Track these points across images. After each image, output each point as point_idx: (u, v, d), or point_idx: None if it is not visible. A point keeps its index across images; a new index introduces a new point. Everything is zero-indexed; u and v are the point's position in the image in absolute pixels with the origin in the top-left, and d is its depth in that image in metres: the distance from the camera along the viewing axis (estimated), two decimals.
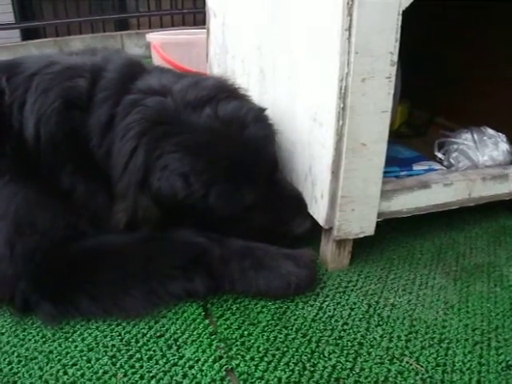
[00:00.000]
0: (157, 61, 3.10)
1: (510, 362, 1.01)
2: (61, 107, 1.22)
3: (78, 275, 1.12)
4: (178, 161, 1.15)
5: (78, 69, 1.28)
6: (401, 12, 1.05)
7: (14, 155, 1.20)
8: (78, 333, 1.06)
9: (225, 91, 1.27)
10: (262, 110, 1.32)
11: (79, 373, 0.95)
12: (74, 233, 1.16)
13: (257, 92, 1.55)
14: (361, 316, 1.13)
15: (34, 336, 1.05)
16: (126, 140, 1.18)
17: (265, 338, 1.06)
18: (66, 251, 1.13)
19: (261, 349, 1.02)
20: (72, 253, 1.14)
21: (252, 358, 1.00)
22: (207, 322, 1.10)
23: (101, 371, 0.96)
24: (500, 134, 1.57)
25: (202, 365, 0.98)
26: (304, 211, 1.31)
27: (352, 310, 1.15)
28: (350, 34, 1.03)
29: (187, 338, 1.05)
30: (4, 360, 0.99)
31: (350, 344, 1.05)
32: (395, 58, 1.08)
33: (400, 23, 1.06)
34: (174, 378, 0.95)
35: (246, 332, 1.07)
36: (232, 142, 1.19)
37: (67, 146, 1.22)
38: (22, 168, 1.19)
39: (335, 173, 1.15)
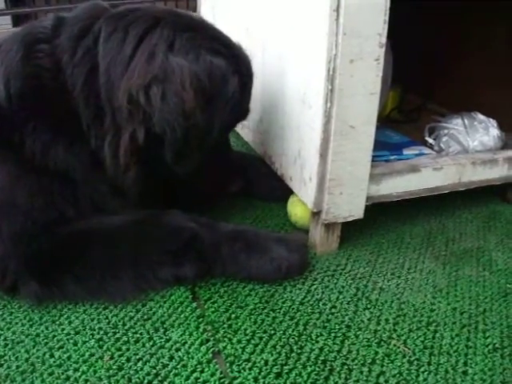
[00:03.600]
0: None
1: (496, 345, 1.02)
2: (24, 56, 1.13)
3: (66, 257, 1.10)
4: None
5: (41, 22, 1.21)
6: None
7: None
8: (65, 316, 1.05)
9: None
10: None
11: (66, 355, 0.95)
12: (57, 212, 1.13)
13: None
14: (349, 299, 1.13)
15: (20, 319, 1.05)
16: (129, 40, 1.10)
17: (252, 320, 1.05)
18: (53, 232, 1.11)
19: (248, 331, 1.02)
20: (60, 234, 1.11)
21: (239, 341, 1.00)
22: (194, 305, 1.09)
23: (87, 354, 0.95)
24: (490, 119, 1.56)
25: (189, 347, 0.98)
26: (240, 172, 1.35)
27: (340, 293, 1.15)
28: (338, 15, 1.02)
29: (174, 321, 1.04)
30: None
31: (337, 327, 1.05)
32: (384, 39, 1.07)
33: (389, 4, 1.05)
34: (161, 360, 0.94)
35: (233, 315, 1.07)
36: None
37: (38, 99, 1.13)
38: None
39: (323, 155, 1.15)
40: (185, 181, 1.22)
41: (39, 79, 1.14)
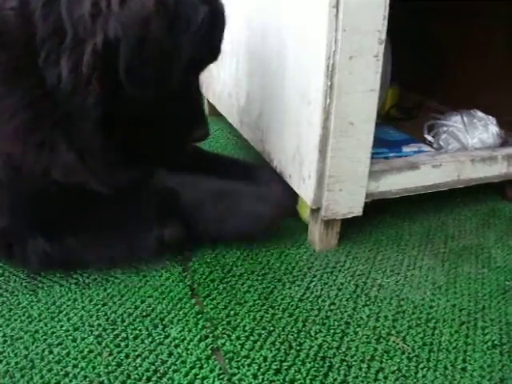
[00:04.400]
0: None
1: (495, 342, 1.02)
2: None
3: (66, 220, 1.14)
4: None
5: None
6: None
7: None
8: (64, 313, 1.05)
9: None
10: None
11: (64, 352, 0.95)
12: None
13: (245, 72, 1.54)
14: (348, 296, 1.13)
15: (19, 316, 1.04)
16: None
17: (251, 317, 1.05)
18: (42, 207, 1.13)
19: (247, 328, 1.02)
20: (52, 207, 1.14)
21: (238, 338, 1.00)
22: (193, 301, 1.09)
23: (86, 350, 0.95)
24: (490, 116, 1.56)
25: (188, 344, 0.97)
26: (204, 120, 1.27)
27: (339, 290, 1.15)
28: (337, 11, 1.02)
29: (173, 318, 1.04)
30: None
31: (336, 324, 1.05)
32: (383, 36, 1.07)
33: (388, 0, 1.04)
34: (160, 356, 0.94)
35: (232, 312, 1.07)
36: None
37: None
38: None
39: (322, 152, 1.14)
40: (149, 126, 1.16)
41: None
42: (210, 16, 1.09)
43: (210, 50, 1.20)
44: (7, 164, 1.10)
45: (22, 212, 1.14)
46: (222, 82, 1.83)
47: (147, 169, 1.20)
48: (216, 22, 1.15)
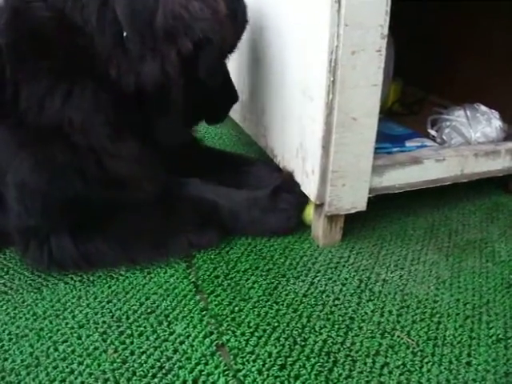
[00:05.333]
0: None
1: (500, 336, 1.02)
2: (5, 13, 1.12)
3: (96, 222, 1.19)
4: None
5: None
6: None
7: None
8: (69, 310, 1.06)
9: None
10: None
11: (70, 349, 0.95)
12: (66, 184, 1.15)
13: (247, 68, 1.54)
14: (352, 291, 1.13)
15: (24, 314, 1.05)
16: None
17: (256, 313, 1.06)
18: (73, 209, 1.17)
19: (252, 324, 1.02)
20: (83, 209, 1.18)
21: (243, 334, 1.00)
22: (198, 298, 1.10)
23: (91, 347, 0.96)
24: (493, 110, 1.56)
25: (193, 340, 0.98)
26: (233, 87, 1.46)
27: (343, 285, 1.15)
28: (339, 6, 1.02)
29: (178, 314, 1.05)
30: None
31: (341, 319, 1.05)
32: (385, 30, 1.07)
33: None
34: (165, 353, 0.95)
35: (236, 308, 1.07)
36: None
37: (35, 46, 1.12)
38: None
39: (326, 147, 1.14)
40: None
41: (36, 25, 1.12)
42: (245, 8, 1.30)
43: (238, 38, 1.36)
44: (52, 163, 1.13)
45: (55, 212, 1.17)
46: None
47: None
48: (245, 12, 1.32)
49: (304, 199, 1.31)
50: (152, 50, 1.12)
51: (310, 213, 1.32)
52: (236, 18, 1.25)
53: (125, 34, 1.11)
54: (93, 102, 1.13)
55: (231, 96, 1.46)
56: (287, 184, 1.34)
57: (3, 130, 1.14)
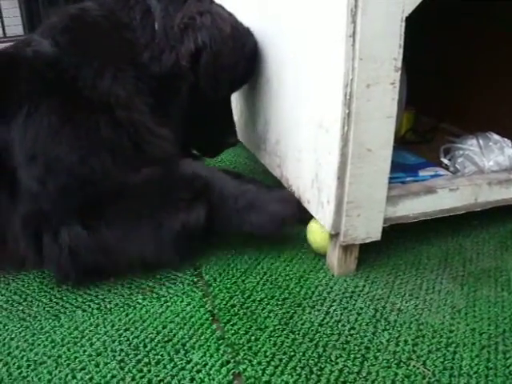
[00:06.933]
0: None
1: None
2: (65, 18, 1.40)
3: (100, 208, 1.23)
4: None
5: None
6: (404, 18, 1.06)
7: (30, 81, 1.27)
8: (87, 338, 1.07)
9: None
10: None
11: (88, 377, 0.96)
12: (97, 164, 1.24)
13: (262, 100, 1.56)
14: (368, 321, 1.14)
15: (43, 341, 1.06)
16: None
17: (272, 342, 1.06)
18: (91, 187, 1.24)
19: (268, 353, 1.03)
20: (96, 190, 1.24)
21: (259, 363, 1.00)
22: (214, 327, 1.10)
23: (109, 375, 0.97)
24: (505, 139, 1.56)
25: (210, 369, 0.98)
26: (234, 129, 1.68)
27: (359, 314, 1.16)
28: (354, 41, 1.04)
29: (195, 343, 1.05)
30: (14, 364, 1.00)
31: (356, 348, 1.05)
32: (399, 64, 1.09)
33: (403, 29, 1.06)
34: (182, 381, 0.95)
35: (253, 337, 1.08)
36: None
37: (90, 36, 1.37)
38: (42, 93, 1.26)
39: (341, 178, 1.16)
40: (203, 124, 1.56)
41: (91, 22, 1.39)
42: (254, 44, 1.54)
43: (249, 72, 1.59)
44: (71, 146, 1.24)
45: (72, 194, 1.23)
46: (239, 111, 1.85)
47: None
48: (256, 49, 1.55)
49: (302, 215, 1.35)
50: (171, 45, 1.39)
51: (317, 240, 1.34)
52: (239, 42, 1.45)
53: (156, 27, 1.40)
54: (134, 85, 1.34)
55: (230, 133, 1.63)
56: (287, 197, 1.40)
57: (55, 103, 1.25)
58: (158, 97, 1.38)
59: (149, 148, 1.31)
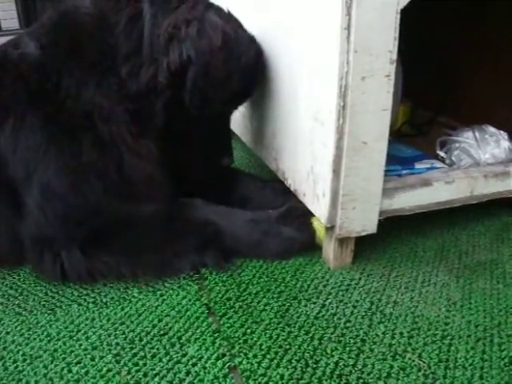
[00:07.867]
0: None
1: None
2: (54, 16, 1.34)
3: (103, 238, 1.24)
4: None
5: None
6: (399, 11, 1.05)
7: (14, 89, 1.25)
8: (83, 331, 1.07)
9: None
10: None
11: (83, 371, 0.96)
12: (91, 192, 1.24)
13: (258, 94, 1.56)
14: (363, 313, 1.14)
15: (38, 335, 1.06)
16: None
17: (267, 335, 1.06)
18: (88, 220, 1.24)
19: (263, 346, 1.03)
20: (99, 220, 1.24)
21: (255, 356, 1.00)
22: (210, 320, 1.11)
23: (105, 369, 0.97)
24: (501, 131, 1.56)
25: (205, 362, 0.99)
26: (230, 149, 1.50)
27: (355, 307, 1.16)
28: (349, 33, 1.04)
29: (190, 336, 1.06)
30: (9, 359, 1.00)
31: (352, 341, 1.05)
32: (394, 56, 1.09)
33: (398, 22, 1.06)
34: (178, 375, 0.95)
35: (248, 330, 1.08)
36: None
37: (74, 42, 1.28)
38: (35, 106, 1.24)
39: (336, 171, 1.16)
40: (191, 146, 1.41)
41: (78, 24, 1.30)
42: (255, 57, 1.37)
43: (250, 86, 1.42)
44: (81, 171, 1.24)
45: (72, 222, 1.23)
46: None
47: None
48: (258, 60, 1.40)
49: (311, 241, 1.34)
50: (153, 59, 1.26)
51: (319, 237, 1.34)
52: (233, 53, 1.28)
53: (145, 35, 1.26)
54: (116, 93, 1.27)
55: (225, 155, 1.46)
56: (293, 210, 1.37)
57: (38, 120, 1.23)
58: (135, 112, 1.31)
59: (132, 172, 1.29)
